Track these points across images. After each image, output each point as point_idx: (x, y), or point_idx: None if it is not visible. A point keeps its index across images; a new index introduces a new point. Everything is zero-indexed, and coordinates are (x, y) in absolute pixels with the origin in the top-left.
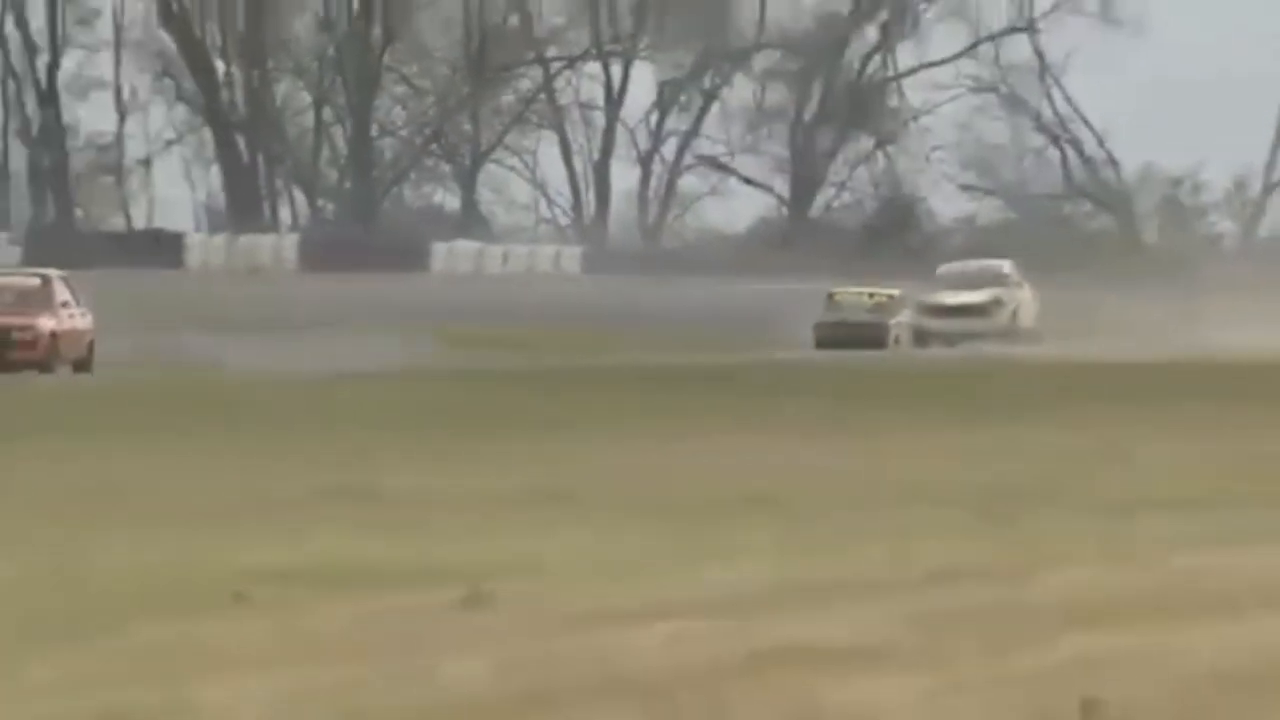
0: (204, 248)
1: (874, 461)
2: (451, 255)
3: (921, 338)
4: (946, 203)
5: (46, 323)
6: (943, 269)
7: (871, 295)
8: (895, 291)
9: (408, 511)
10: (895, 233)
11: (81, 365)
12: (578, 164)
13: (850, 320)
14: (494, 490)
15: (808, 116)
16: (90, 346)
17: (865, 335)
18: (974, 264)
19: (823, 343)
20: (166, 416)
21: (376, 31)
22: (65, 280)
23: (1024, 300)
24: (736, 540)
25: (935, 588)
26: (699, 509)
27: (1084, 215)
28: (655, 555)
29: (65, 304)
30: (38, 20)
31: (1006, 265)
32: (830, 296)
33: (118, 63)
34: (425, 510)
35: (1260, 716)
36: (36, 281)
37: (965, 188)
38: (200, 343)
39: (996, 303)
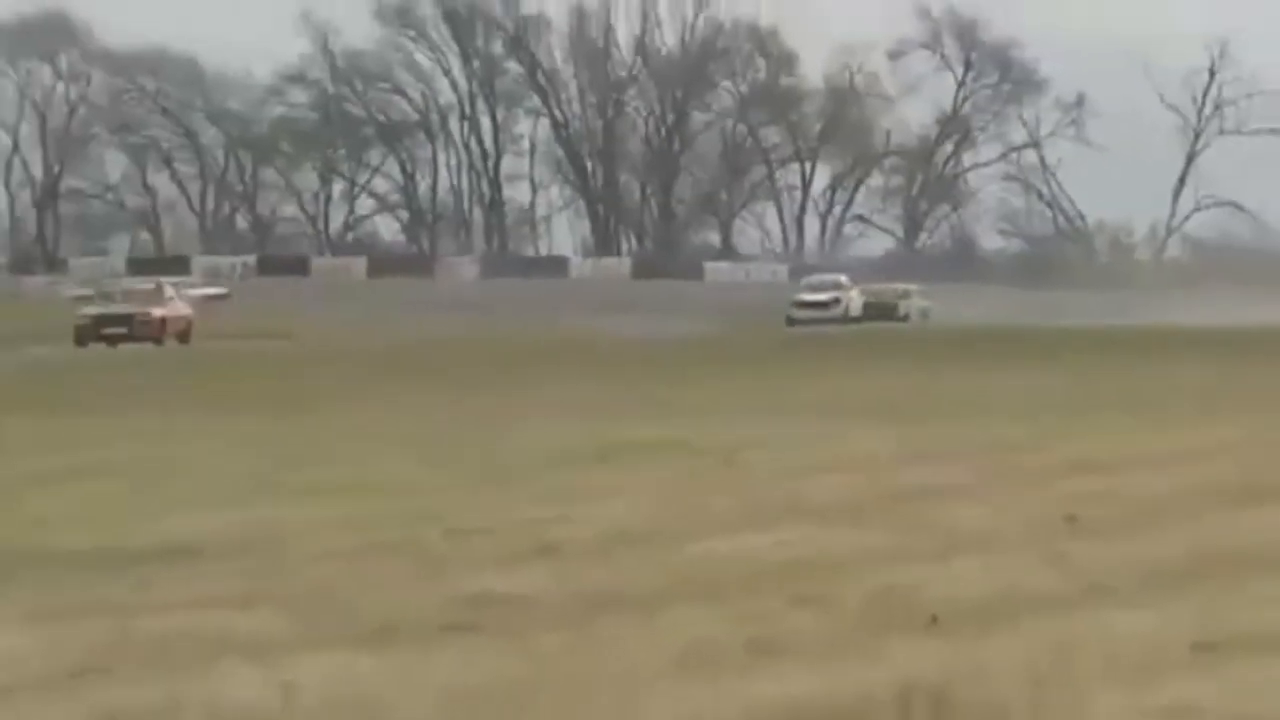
0: (579, 266)
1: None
2: (715, 271)
3: (791, 321)
4: (989, 241)
5: (158, 311)
6: (805, 280)
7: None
8: (909, 287)
9: (689, 413)
10: (963, 258)
11: (183, 338)
12: (786, 218)
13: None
14: (734, 400)
15: (914, 192)
16: (189, 327)
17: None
18: (826, 276)
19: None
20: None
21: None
22: (173, 285)
23: (853, 298)
24: (866, 427)
25: (987, 452)
26: (837, 411)
27: (1064, 248)
28: (822, 435)
29: (170, 300)
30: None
31: (843, 278)
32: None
33: (531, 164)
34: (701, 412)
35: None
36: (151, 285)
37: (1001, 232)
38: (576, 318)
39: (835, 300)
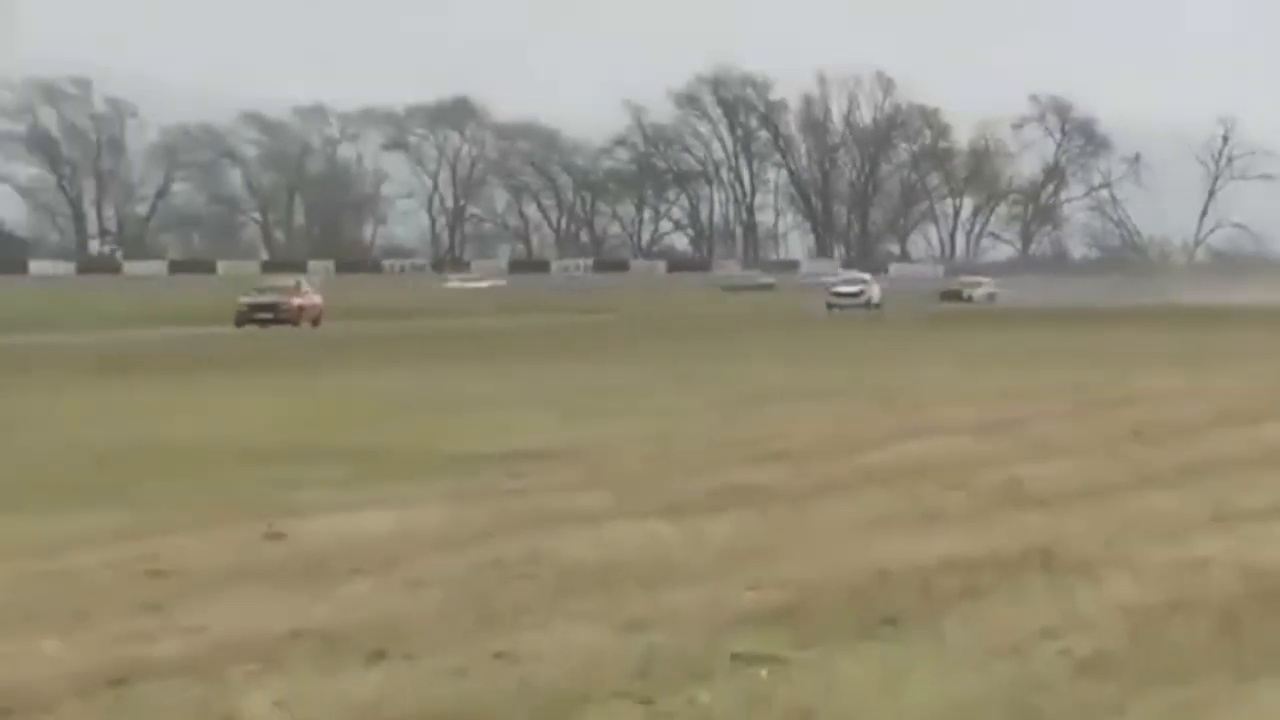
0: (806, 265)
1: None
2: (897, 269)
3: (830, 306)
4: (1077, 251)
5: (295, 300)
6: (837, 275)
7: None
8: (979, 279)
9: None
10: (1059, 262)
11: (315, 323)
12: (943, 235)
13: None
14: (887, 351)
15: (1028, 218)
16: (320, 314)
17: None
18: (853, 273)
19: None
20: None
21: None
22: (309, 279)
23: (874, 290)
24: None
25: (1072, 390)
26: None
27: (1126, 255)
28: (947, 379)
29: (306, 292)
30: None
31: (866, 275)
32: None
33: (775, 199)
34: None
35: None
36: (293, 281)
37: (1085, 244)
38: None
39: (860, 292)
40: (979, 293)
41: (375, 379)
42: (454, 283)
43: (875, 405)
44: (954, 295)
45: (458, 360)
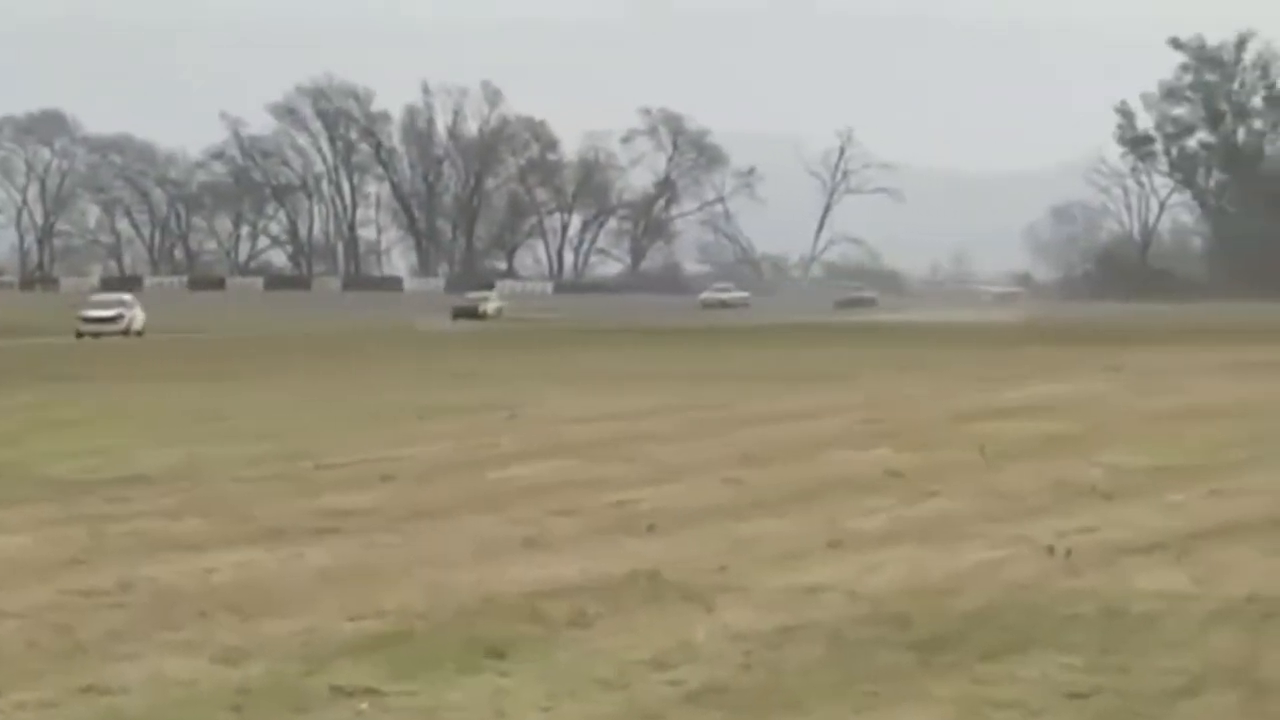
0: (410, 283)
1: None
2: (503, 286)
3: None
4: (690, 267)
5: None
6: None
7: None
8: (487, 293)
9: (485, 382)
10: (671, 278)
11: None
12: (551, 251)
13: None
14: (513, 371)
15: (638, 233)
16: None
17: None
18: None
19: None
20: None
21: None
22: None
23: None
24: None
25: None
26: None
27: (741, 270)
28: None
29: (488, 299)
30: None
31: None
32: None
33: (377, 213)
34: (493, 381)
35: None
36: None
37: (698, 260)
38: (407, 316)
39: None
40: (490, 307)
41: None
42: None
43: (490, 426)
44: (468, 312)
45: (54, 381)
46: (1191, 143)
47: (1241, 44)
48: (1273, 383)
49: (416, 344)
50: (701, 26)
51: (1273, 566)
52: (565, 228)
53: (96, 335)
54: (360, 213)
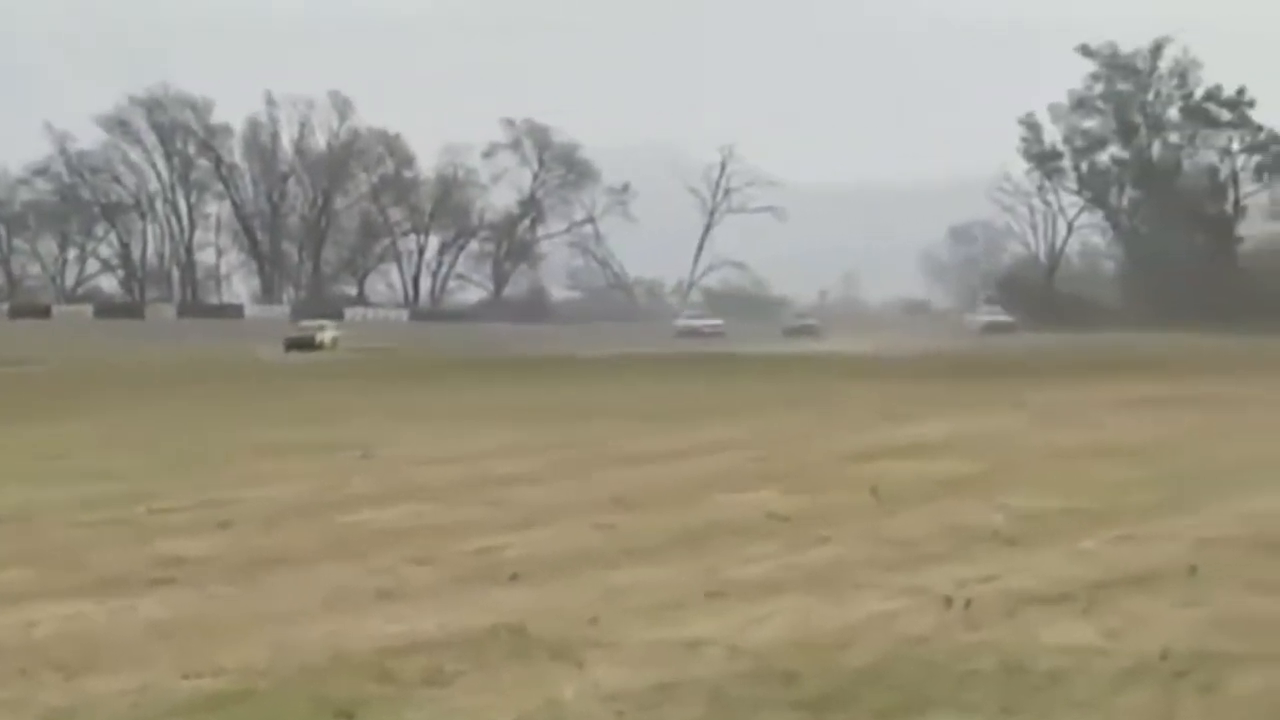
0: (252, 310)
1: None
2: (353, 314)
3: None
4: (558, 292)
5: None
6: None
7: None
8: (325, 323)
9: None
10: (538, 305)
11: None
12: (406, 276)
13: None
14: (365, 405)
15: (501, 255)
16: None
17: None
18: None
19: None
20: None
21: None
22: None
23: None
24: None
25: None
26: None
27: (613, 296)
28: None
29: (324, 328)
30: None
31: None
32: None
33: (216, 235)
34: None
35: None
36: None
37: (566, 286)
38: (250, 347)
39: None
40: (326, 337)
41: None
42: None
43: (340, 466)
44: (303, 344)
45: None
46: (1102, 158)
47: (1157, 51)
48: (1188, 419)
49: (259, 377)
50: (570, 31)
51: (1188, 619)
52: (421, 250)
53: None
54: (198, 234)
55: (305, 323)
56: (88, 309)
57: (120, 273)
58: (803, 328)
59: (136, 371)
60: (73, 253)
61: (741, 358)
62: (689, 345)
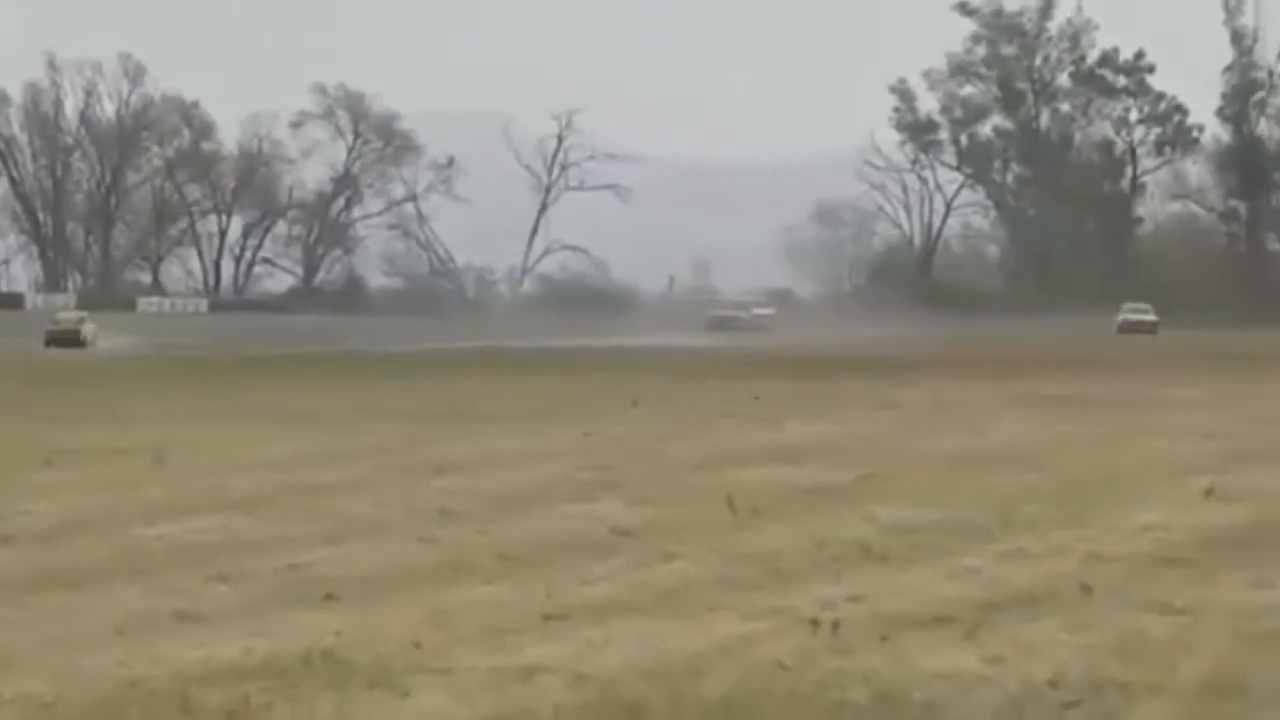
0: (33, 300)
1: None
2: (147, 304)
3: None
4: (375, 280)
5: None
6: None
7: None
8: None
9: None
10: (354, 294)
11: None
12: (206, 261)
13: None
14: (164, 408)
15: (312, 239)
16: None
17: None
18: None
19: None
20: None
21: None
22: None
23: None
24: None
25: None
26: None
27: (437, 285)
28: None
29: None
30: None
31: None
32: None
33: None
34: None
35: None
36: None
37: (385, 272)
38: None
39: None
40: (88, 330)
41: None
42: None
43: (134, 474)
44: (64, 338)
45: None
46: (984, 129)
47: (1046, 10)
48: (1075, 421)
49: (37, 373)
50: None
51: (1080, 644)
52: (223, 233)
53: None
54: None
55: (62, 314)
56: None
57: None
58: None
59: None
60: None
61: (583, 353)
62: (562, 340)
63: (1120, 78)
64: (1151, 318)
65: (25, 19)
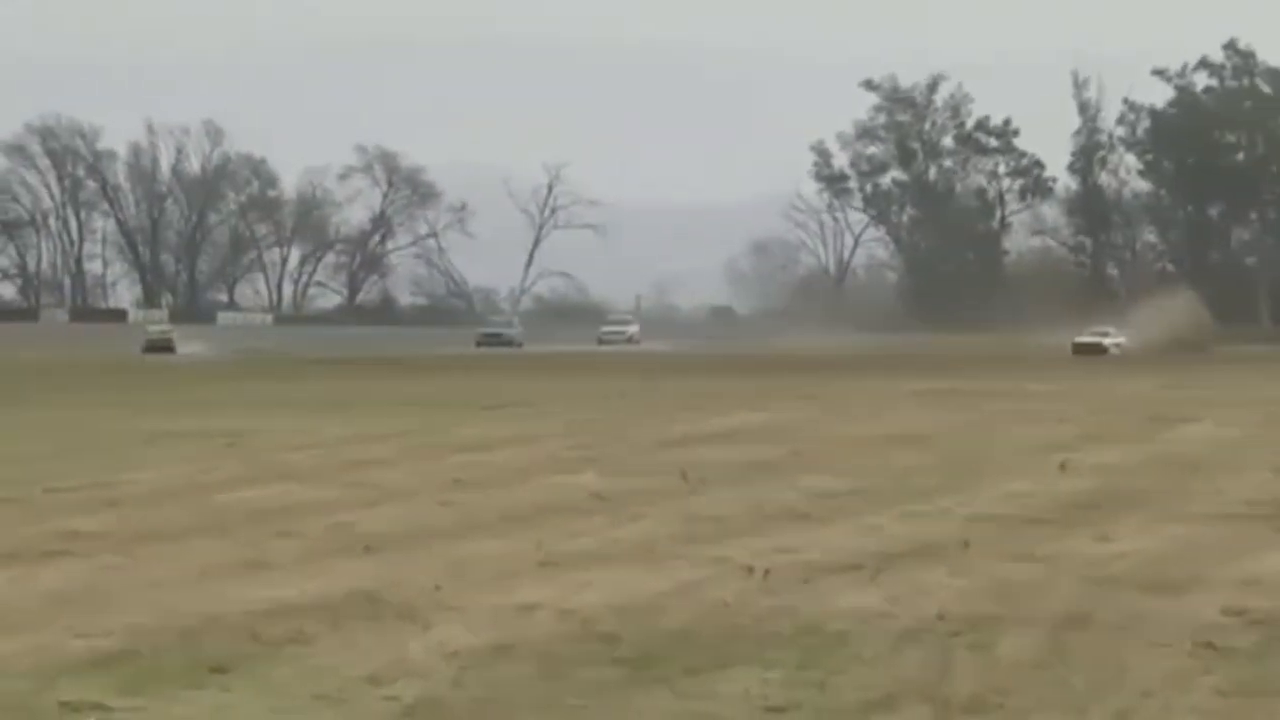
0: (135, 315)
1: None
2: (225, 318)
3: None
4: (405, 299)
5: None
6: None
7: None
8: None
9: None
10: (388, 310)
11: None
12: (271, 284)
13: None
14: (235, 398)
15: (355, 266)
16: None
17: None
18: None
19: None
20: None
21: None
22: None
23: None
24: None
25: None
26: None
27: (452, 303)
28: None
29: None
30: None
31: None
32: None
33: (103, 248)
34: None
35: None
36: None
37: (412, 293)
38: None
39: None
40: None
41: None
42: None
43: (213, 451)
44: (160, 345)
45: None
46: (885, 180)
47: (933, 85)
48: (958, 410)
49: (138, 374)
50: (407, 56)
51: (962, 586)
52: (285, 261)
53: None
54: (87, 247)
55: (154, 327)
56: None
57: (18, 281)
58: (495, 336)
59: (33, 368)
60: None
61: (567, 356)
62: (541, 347)
63: (992, 139)
64: (1103, 340)
65: (128, 91)
